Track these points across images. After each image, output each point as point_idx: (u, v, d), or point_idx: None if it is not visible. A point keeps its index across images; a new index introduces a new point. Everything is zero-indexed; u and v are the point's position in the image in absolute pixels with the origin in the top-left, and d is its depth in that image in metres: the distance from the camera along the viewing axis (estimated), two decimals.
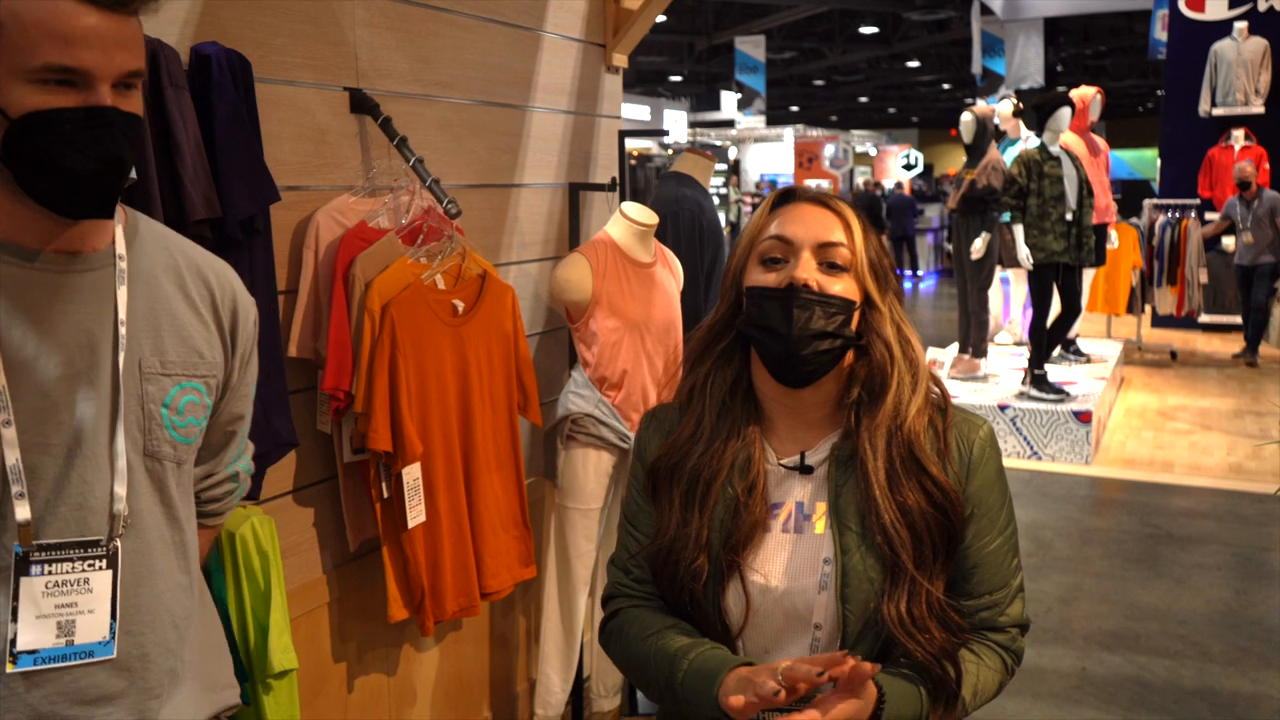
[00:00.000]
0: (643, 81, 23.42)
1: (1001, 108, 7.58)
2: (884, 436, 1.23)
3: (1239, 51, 9.92)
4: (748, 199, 18.50)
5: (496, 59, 2.73)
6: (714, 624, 1.26)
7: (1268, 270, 8.39)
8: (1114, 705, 3.24)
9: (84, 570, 1.13)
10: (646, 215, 2.62)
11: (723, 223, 7.16)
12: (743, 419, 1.28)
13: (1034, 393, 6.26)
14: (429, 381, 2.22)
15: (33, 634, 1.10)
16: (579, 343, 2.59)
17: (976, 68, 16.13)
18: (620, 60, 3.24)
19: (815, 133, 22.17)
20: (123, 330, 1.17)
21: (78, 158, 1.07)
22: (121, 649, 1.16)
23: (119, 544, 1.16)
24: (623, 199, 2.97)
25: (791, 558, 1.24)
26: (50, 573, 1.11)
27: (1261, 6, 9.96)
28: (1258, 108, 9.85)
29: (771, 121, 23.52)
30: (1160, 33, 12.18)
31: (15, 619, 1.09)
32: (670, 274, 2.74)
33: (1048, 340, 6.46)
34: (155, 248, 1.25)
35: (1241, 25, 9.89)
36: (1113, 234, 7.79)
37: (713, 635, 1.26)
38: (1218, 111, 10.02)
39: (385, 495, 2.18)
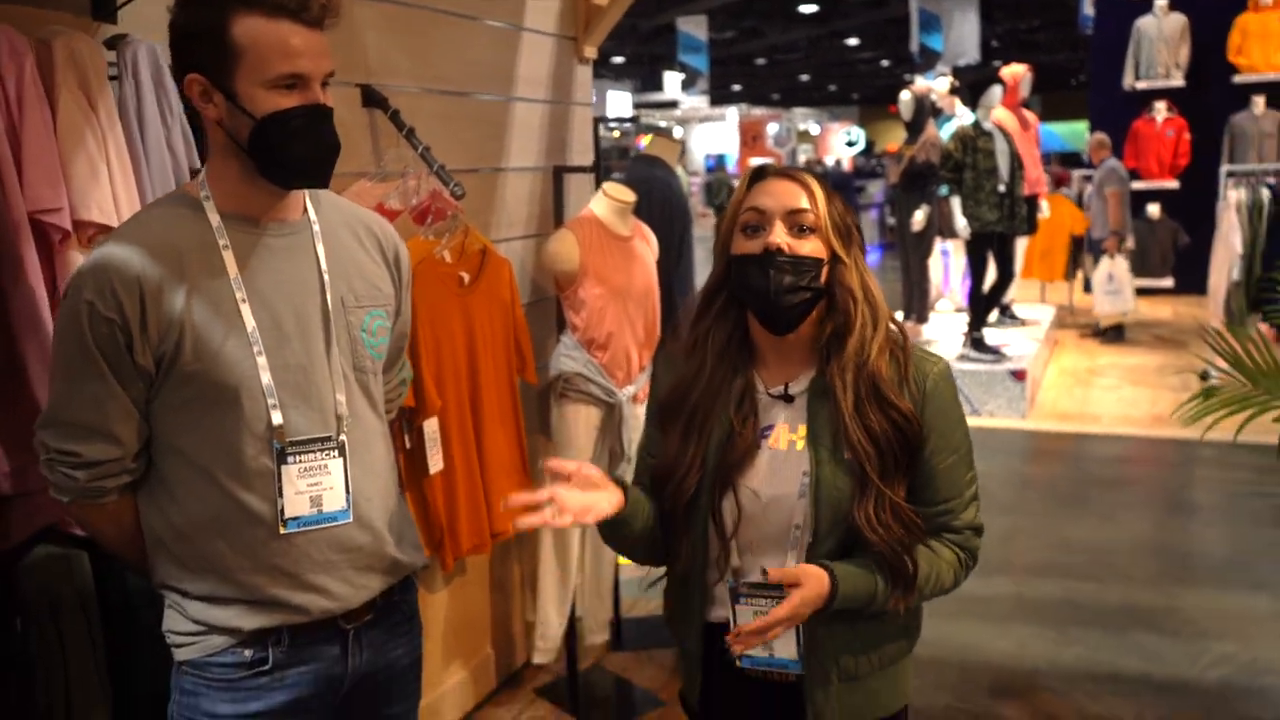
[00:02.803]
0: None
1: (938, 86, 7.98)
2: (852, 372, 1.48)
3: (1160, 27, 10.42)
4: (695, 181, 18.77)
5: (483, 54, 3.00)
6: (703, 530, 1.52)
7: (1097, 245, 8.40)
8: (1048, 622, 3.64)
9: (324, 459, 1.47)
10: (626, 193, 2.93)
11: None
12: (739, 360, 1.56)
13: (973, 354, 6.68)
14: (442, 345, 2.50)
15: (294, 506, 1.46)
16: (568, 309, 2.89)
17: (914, 45, 16.50)
18: (590, 52, 3.52)
19: (759, 111, 22.52)
20: (326, 277, 1.50)
21: (308, 147, 1.42)
22: (360, 512, 1.51)
23: (345, 437, 1.50)
24: (599, 180, 3.26)
25: (778, 471, 1.51)
26: (301, 461, 1.46)
27: None
28: (1178, 81, 10.37)
29: (715, 101, 23.78)
30: (1089, 8, 12.65)
31: (281, 495, 1.45)
32: (647, 246, 3.04)
33: (984, 305, 6.88)
34: (332, 211, 1.57)
35: (1162, 2, 10.37)
36: (1043, 204, 8.23)
37: (705, 539, 1.53)
38: (1141, 85, 10.53)
39: (407, 446, 2.46)
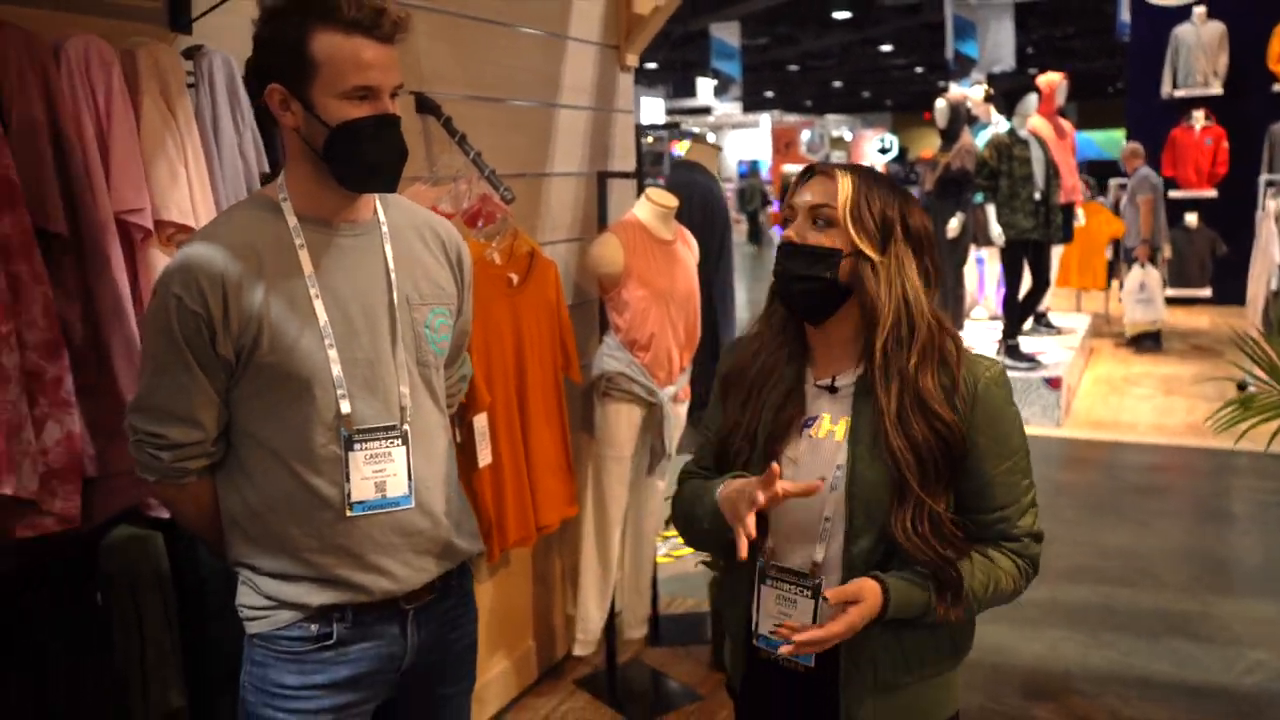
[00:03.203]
0: None
1: (973, 94, 8.01)
2: (896, 380, 1.51)
3: (1198, 35, 10.38)
4: (729, 187, 18.85)
5: (530, 63, 3.09)
6: None
7: (1130, 254, 8.39)
8: (1081, 626, 3.66)
9: (388, 446, 1.56)
10: (669, 198, 3.00)
11: None
12: (794, 348, 1.62)
13: (1008, 361, 6.68)
14: (492, 343, 2.59)
15: (360, 490, 1.55)
16: (611, 311, 2.97)
17: (949, 52, 16.47)
18: (632, 60, 3.61)
19: (792, 118, 22.57)
20: (393, 275, 1.59)
21: (377, 154, 1.51)
22: (420, 498, 1.60)
23: (408, 427, 1.59)
24: (640, 185, 3.34)
25: (813, 458, 1.56)
26: (367, 448, 1.55)
27: None
28: (1216, 89, 10.32)
29: (748, 107, 23.86)
30: (1126, 15, 12.59)
31: (348, 480, 1.54)
32: (689, 250, 3.12)
33: (1019, 312, 6.89)
34: (399, 213, 1.67)
35: (1200, 10, 10.33)
36: (1079, 212, 8.22)
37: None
38: (1179, 93, 10.48)
39: (458, 440, 2.54)
